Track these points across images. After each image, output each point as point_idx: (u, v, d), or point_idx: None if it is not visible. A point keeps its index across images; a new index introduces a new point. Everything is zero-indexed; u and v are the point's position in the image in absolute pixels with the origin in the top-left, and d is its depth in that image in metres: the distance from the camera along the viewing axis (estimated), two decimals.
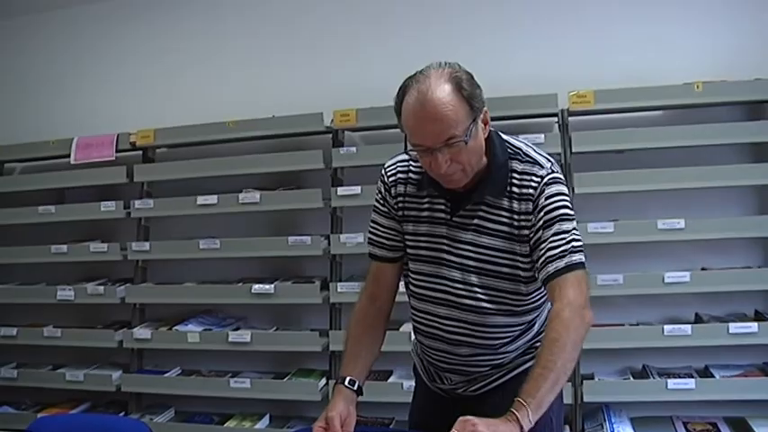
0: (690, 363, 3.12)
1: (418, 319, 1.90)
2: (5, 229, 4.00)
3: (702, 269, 3.08)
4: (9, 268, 4.00)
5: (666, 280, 2.94)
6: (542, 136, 3.07)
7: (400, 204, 1.85)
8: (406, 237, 1.86)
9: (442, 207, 1.79)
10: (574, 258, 1.63)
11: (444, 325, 1.83)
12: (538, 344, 1.79)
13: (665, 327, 2.93)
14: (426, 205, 1.81)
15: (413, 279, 1.87)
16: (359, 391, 1.83)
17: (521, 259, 1.72)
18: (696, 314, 3.14)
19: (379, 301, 1.93)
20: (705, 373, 3.05)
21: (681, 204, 3.11)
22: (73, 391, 3.69)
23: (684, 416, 3.06)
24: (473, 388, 1.89)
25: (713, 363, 3.08)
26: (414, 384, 2.12)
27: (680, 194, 3.09)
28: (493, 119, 1.75)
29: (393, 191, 1.85)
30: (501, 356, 1.85)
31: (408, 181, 1.84)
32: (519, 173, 1.72)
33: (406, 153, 1.77)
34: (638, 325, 3.10)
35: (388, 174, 1.88)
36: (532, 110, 3.15)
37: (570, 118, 3.18)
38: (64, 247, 3.75)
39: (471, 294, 1.76)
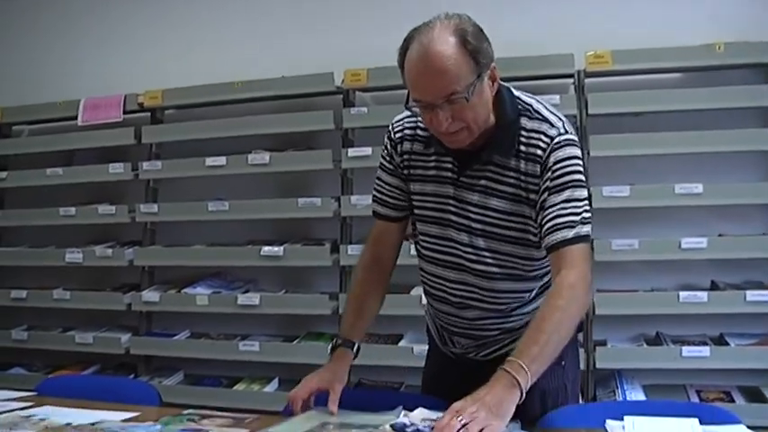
0: (705, 330, 3.08)
1: (427, 282, 1.86)
2: (14, 191, 4.01)
3: (719, 235, 3.02)
4: (18, 231, 4.01)
5: (683, 246, 2.89)
6: (557, 97, 3.02)
7: (406, 162, 1.78)
8: (413, 196, 1.80)
9: (450, 166, 1.71)
10: (583, 230, 1.56)
11: (452, 288, 1.78)
12: None
13: (681, 293, 2.88)
14: (433, 164, 1.74)
15: (421, 240, 1.82)
16: (356, 354, 1.83)
17: (530, 222, 1.65)
18: (712, 281, 3.10)
19: (382, 261, 1.89)
20: (720, 340, 3.01)
21: (699, 169, 3.05)
22: (82, 354, 3.70)
23: (698, 384, 3.03)
24: (483, 352, 1.84)
25: (729, 331, 3.04)
26: (426, 347, 2.08)
27: (698, 159, 3.03)
28: (506, 79, 1.68)
29: (399, 148, 1.79)
30: (511, 321, 1.79)
31: (415, 138, 1.77)
32: (527, 131, 1.63)
33: (408, 109, 1.69)
34: (652, 291, 3.06)
35: (395, 130, 1.81)
36: (548, 70, 3.10)
37: (587, 79, 3.11)
38: (72, 210, 3.74)
39: (479, 258, 1.70)
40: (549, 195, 1.57)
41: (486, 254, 1.69)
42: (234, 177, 3.50)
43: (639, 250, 2.93)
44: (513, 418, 1.50)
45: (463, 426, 1.31)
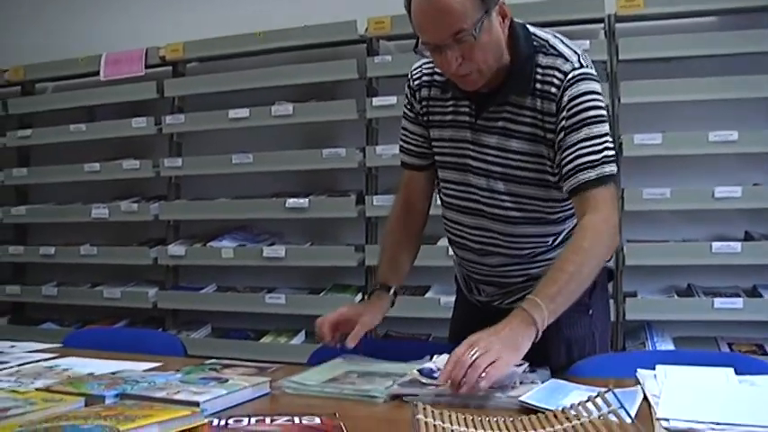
0: (737, 282, 3.01)
1: (449, 229, 1.82)
2: (39, 149, 4.03)
3: (754, 185, 2.93)
4: (45, 189, 4.02)
5: (716, 195, 2.82)
6: (587, 42, 2.92)
7: (425, 109, 1.74)
8: (433, 143, 1.76)
9: (467, 110, 1.66)
10: (606, 170, 1.51)
11: (473, 234, 1.74)
12: None
13: (713, 244, 2.82)
14: (450, 109, 1.69)
15: (442, 187, 1.79)
16: (393, 300, 1.79)
17: (549, 164, 1.60)
18: (746, 232, 3.02)
19: (414, 211, 1.86)
20: (753, 292, 2.95)
21: (734, 116, 2.94)
22: (111, 309, 3.73)
23: (729, 336, 2.97)
24: (509, 300, 1.78)
25: (762, 282, 2.97)
26: (454, 297, 2.04)
27: (734, 105, 2.92)
28: (534, 24, 1.62)
29: (418, 95, 1.74)
30: (536, 267, 1.73)
31: (433, 84, 1.72)
32: (543, 67, 1.56)
33: (418, 53, 1.63)
34: (684, 242, 2.99)
35: (414, 77, 1.77)
36: (577, 15, 3.00)
37: (617, 24, 3.01)
38: (97, 166, 3.74)
39: (498, 202, 1.66)
40: (565, 136, 1.52)
41: (506, 197, 1.64)
42: (257, 129, 3.47)
43: (671, 199, 2.85)
44: (542, 365, 1.48)
45: (475, 359, 1.31)
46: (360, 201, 3.25)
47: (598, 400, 1.04)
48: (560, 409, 1.04)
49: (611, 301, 2.82)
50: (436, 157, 1.76)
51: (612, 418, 0.98)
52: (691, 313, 2.84)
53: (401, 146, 1.84)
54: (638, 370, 1.48)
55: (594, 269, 1.52)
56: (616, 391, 1.33)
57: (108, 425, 0.95)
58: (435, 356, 1.56)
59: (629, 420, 0.97)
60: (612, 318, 2.83)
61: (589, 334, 1.78)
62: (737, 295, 2.87)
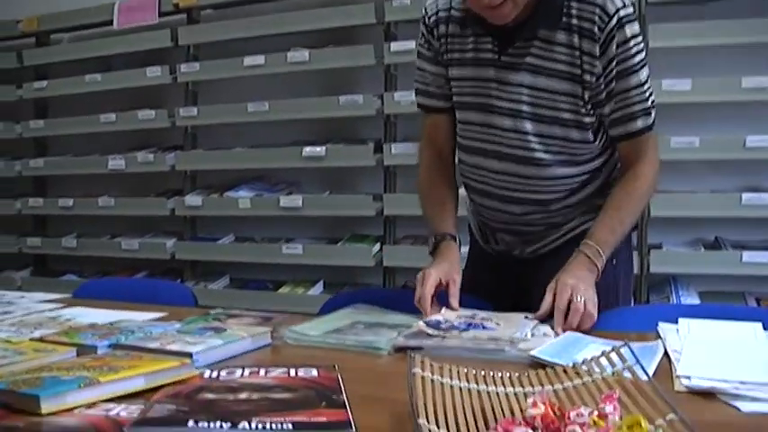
0: (767, 236, 2.92)
1: (468, 174, 1.73)
2: (56, 101, 4.01)
3: None
4: (63, 141, 4.01)
5: (748, 144, 2.69)
6: None
7: (444, 47, 1.64)
8: (452, 82, 1.66)
9: (489, 46, 1.57)
10: (652, 117, 1.53)
11: (495, 179, 1.65)
12: (600, 202, 1.63)
13: (743, 195, 2.71)
14: (471, 46, 1.60)
15: (461, 129, 1.69)
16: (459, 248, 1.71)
17: (582, 104, 1.52)
18: None
19: (443, 156, 1.77)
20: None
21: None
22: (130, 260, 3.74)
23: (758, 292, 2.88)
24: (529, 250, 1.73)
25: None
26: (468, 246, 1.97)
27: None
28: None
29: (435, 32, 1.65)
30: (558, 215, 1.67)
31: (450, 19, 1.63)
32: (578, 1, 1.48)
33: None
34: (712, 193, 2.87)
35: (429, 14, 1.67)
36: None
37: None
38: (112, 116, 3.70)
39: (525, 144, 1.57)
40: (615, 83, 1.49)
41: (533, 139, 1.56)
42: (273, 77, 3.38)
43: (700, 149, 2.74)
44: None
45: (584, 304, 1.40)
46: (378, 149, 3.17)
47: (612, 355, 0.96)
48: (572, 364, 0.97)
49: (636, 253, 2.76)
50: (455, 98, 1.67)
51: (627, 374, 0.91)
52: (718, 267, 2.75)
53: (418, 88, 1.75)
54: (660, 323, 1.41)
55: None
56: (635, 345, 1.26)
57: (89, 376, 0.90)
58: (444, 309, 1.50)
59: (644, 377, 0.89)
60: (636, 270, 2.77)
61: (612, 285, 1.71)
62: (767, 249, 2.77)
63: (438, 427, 0.71)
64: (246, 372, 1.03)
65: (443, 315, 1.44)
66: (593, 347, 1.23)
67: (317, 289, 3.35)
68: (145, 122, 3.63)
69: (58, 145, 4.06)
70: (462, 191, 1.81)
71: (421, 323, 1.34)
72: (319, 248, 3.31)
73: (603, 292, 1.67)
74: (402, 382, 0.85)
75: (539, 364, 1.10)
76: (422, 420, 0.70)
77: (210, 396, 0.90)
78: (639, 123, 1.52)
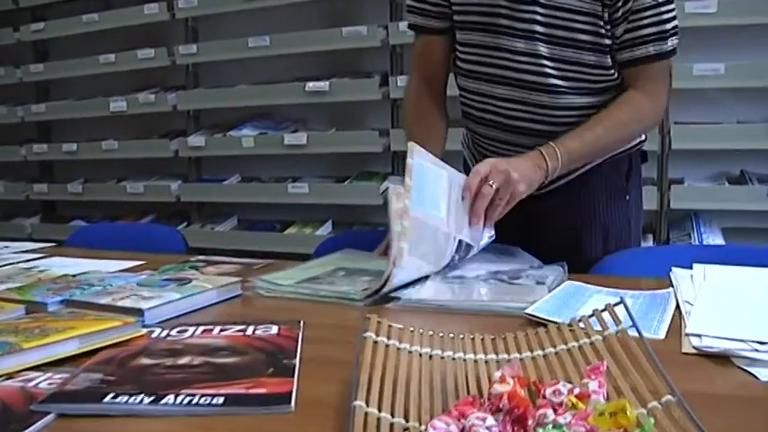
0: None
1: (469, 103, 1.57)
2: (55, 43, 3.91)
3: None
4: (64, 85, 3.91)
5: None
6: None
7: None
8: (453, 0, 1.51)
9: None
10: (667, 45, 1.38)
11: (503, 108, 1.50)
12: None
13: None
14: None
15: (461, 53, 1.52)
16: None
17: (602, 24, 1.37)
18: None
19: (433, 83, 1.62)
20: None
21: None
22: (136, 204, 3.68)
23: None
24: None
25: None
26: None
27: None
28: None
29: None
30: None
31: None
32: None
33: None
34: (738, 123, 2.70)
35: None
36: None
37: None
38: (112, 57, 3.58)
39: (538, 69, 1.42)
40: (632, 1, 1.34)
41: (548, 63, 1.41)
42: (274, 9, 3.22)
43: (725, 76, 2.54)
44: (576, 257, 1.29)
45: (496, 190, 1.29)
46: (384, 82, 3.03)
47: (605, 314, 0.83)
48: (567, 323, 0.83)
49: (655, 189, 2.62)
50: (456, 17, 1.50)
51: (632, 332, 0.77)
52: (743, 202, 2.59)
53: (412, 6, 1.57)
54: (673, 269, 1.27)
55: (624, 141, 1.49)
56: (643, 294, 1.15)
57: (14, 342, 0.80)
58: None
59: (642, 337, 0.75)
60: (656, 206, 2.64)
61: (625, 222, 1.61)
62: None
63: (380, 410, 0.59)
64: (199, 330, 0.93)
65: None
66: (597, 300, 1.11)
67: (326, 229, 3.26)
68: (145, 62, 3.50)
69: (59, 88, 3.96)
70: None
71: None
72: (326, 187, 3.21)
73: (617, 230, 1.59)
74: None
75: (535, 323, 0.99)
76: (359, 402, 0.58)
77: (147, 361, 0.80)
78: (651, 49, 1.37)
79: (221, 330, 0.92)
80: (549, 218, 1.55)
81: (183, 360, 0.80)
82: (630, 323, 0.77)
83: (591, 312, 0.85)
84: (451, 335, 0.81)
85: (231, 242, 3.31)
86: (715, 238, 2.65)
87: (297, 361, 0.80)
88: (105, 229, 2.50)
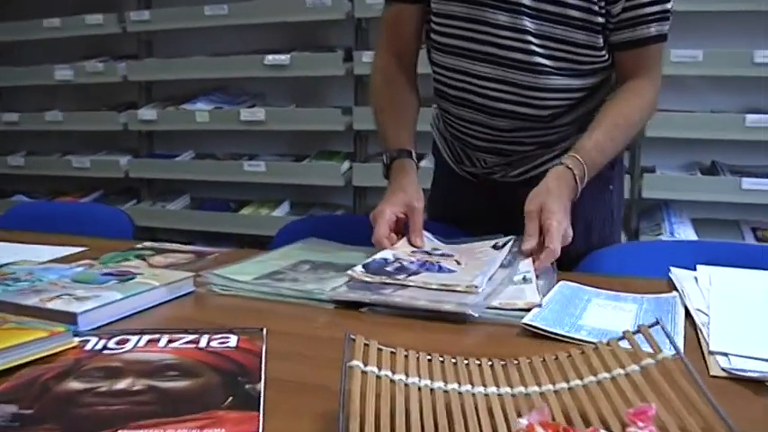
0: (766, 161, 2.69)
1: (444, 80, 1.43)
2: None
3: None
4: (4, 49, 3.65)
5: (756, 59, 2.42)
6: None
7: None
8: None
9: None
10: (666, 26, 1.29)
11: (482, 88, 1.36)
12: None
13: (748, 116, 2.46)
14: None
15: (437, 24, 1.38)
16: (417, 165, 1.42)
17: (597, 1, 1.25)
18: None
19: (404, 56, 1.48)
20: None
21: None
22: (83, 179, 3.47)
23: (754, 221, 2.69)
24: (514, 173, 1.48)
25: None
26: (433, 168, 1.70)
27: None
28: None
29: None
30: (552, 132, 1.42)
31: None
32: None
33: None
34: (712, 113, 2.61)
35: None
36: None
37: None
38: (57, 21, 3.35)
39: (522, 46, 1.29)
40: None
41: (533, 40, 1.28)
42: None
43: (703, 63, 2.45)
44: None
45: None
46: (348, 57, 2.89)
47: (637, 336, 0.69)
48: (571, 334, 0.70)
49: (627, 177, 2.53)
50: None
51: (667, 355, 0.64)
52: (715, 193, 2.53)
53: None
54: (672, 269, 1.17)
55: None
56: (647, 299, 1.03)
57: None
58: (401, 242, 1.25)
59: (687, 371, 0.62)
60: (628, 195, 2.54)
61: (608, 213, 1.52)
62: (766, 176, 2.54)
63: None
64: (143, 340, 0.78)
65: (394, 251, 1.18)
66: (597, 305, 0.99)
67: (283, 209, 3.13)
68: (93, 28, 3.28)
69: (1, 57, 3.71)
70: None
71: (357, 268, 1.08)
72: (284, 166, 3.06)
73: (600, 222, 1.50)
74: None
75: (534, 334, 0.87)
76: None
77: (76, 386, 0.65)
78: (653, 30, 1.27)
79: (170, 341, 0.77)
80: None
81: (122, 384, 0.66)
82: (667, 355, 0.63)
83: (596, 322, 0.73)
84: (454, 360, 0.67)
85: (183, 221, 3.17)
86: (685, 229, 2.59)
87: (261, 386, 0.66)
88: (44, 208, 2.31)
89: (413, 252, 1.20)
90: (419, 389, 0.60)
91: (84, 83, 3.33)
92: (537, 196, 1.20)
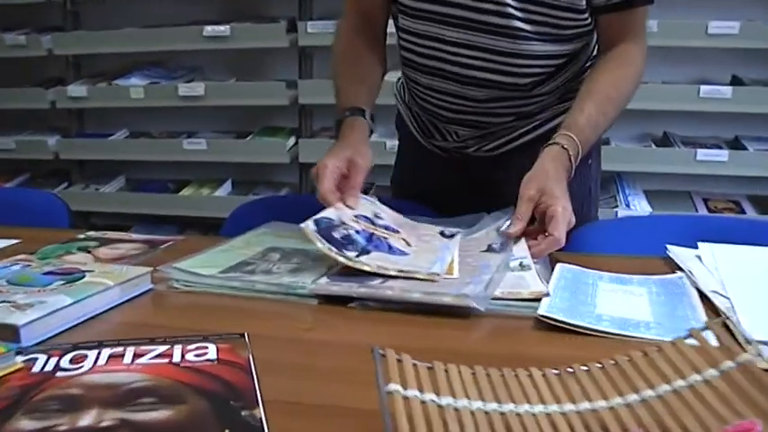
0: (716, 132, 2.73)
1: (412, 47, 1.32)
2: None
3: (749, 21, 2.48)
4: None
5: (710, 30, 2.42)
6: None
7: None
8: None
9: None
10: None
11: (455, 55, 1.26)
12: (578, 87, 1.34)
13: (702, 87, 2.46)
14: None
15: None
16: (371, 126, 1.30)
17: None
18: (733, 76, 2.66)
19: (371, 21, 1.37)
20: (735, 144, 2.65)
21: None
22: (7, 162, 3.23)
23: (705, 192, 2.70)
24: (489, 146, 1.39)
25: (745, 134, 2.68)
26: (397, 143, 1.61)
27: None
28: None
29: None
30: (531, 102, 1.33)
31: None
32: None
33: None
34: (663, 84, 2.59)
35: None
36: None
37: None
38: None
39: (500, 9, 1.19)
40: None
41: (512, 2, 1.18)
42: None
43: (657, 34, 2.40)
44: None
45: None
46: (292, 28, 2.75)
47: (707, 333, 0.59)
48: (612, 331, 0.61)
49: None
50: None
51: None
52: (669, 165, 2.54)
53: None
54: (670, 247, 1.10)
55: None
56: (653, 280, 0.96)
57: None
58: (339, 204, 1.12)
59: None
60: None
61: (586, 189, 1.44)
62: (719, 147, 2.58)
63: None
64: (103, 356, 0.65)
65: (338, 211, 1.07)
66: (605, 290, 0.92)
67: (225, 189, 3.01)
68: None
69: None
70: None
71: (309, 224, 0.98)
72: (226, 143, 2.93)
73: (579, 199, 1.39)
74: (360, 373, 0.50)
75: (550, 326, 0.78)
76: None
77: (25, 426, 0.52)
78: None
79: (136, 355, 0.65)
80: (502, 183, 1.35)
81: (87, 419, 0.53)
82: (754, 353, 0.54)
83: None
84: (501, 373, 0.56)
85: (118, 205, 3.01)
86: (640, 201, 2.60)
87: (261, 412, 0.55)
88: None
89: (356, 216, 1.09)
90: (472, 413, 0.49)
91: (5, 56, 3.10)
92: (534, 180, 1.10)
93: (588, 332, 0.78)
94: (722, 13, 2.50)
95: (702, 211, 2.59)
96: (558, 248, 1.03)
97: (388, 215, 1.19)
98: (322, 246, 0.94)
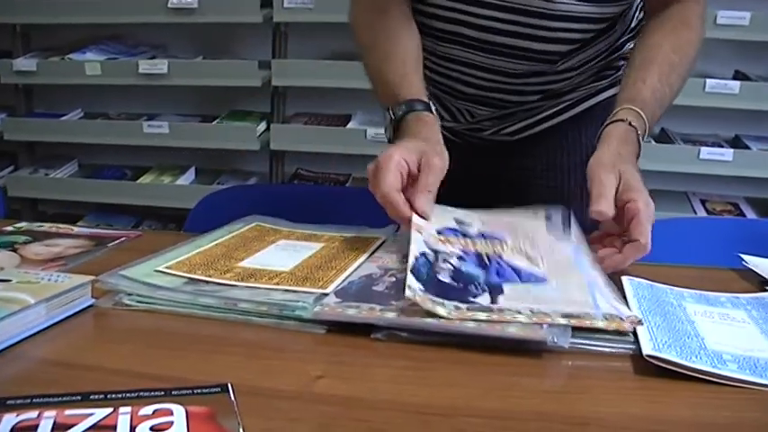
0: (716, 131, 2.68)
1: (430, 11, 1.14)
2: None
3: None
4: None
5: (719, 21, 2.34)
6: None
7: None
8: None
9: None
10: None
11: (480, 18, 1.08)
12: (621, 63, 1.21)
13: (708, 81, 2.38)
14: None
15: None
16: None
17: None
18: (736, 71, 2.59)
19: (394, 7, 1.13)
20: (736, 143, 2.59)
21: None
22: None
23: (703, 193, 2.65)
24: (508, 130, 1.26)
25: (746, 133, 2.62)
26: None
27: None
28: None
29: None
30: (559, 79, 1.19)
31: None
32: None
33: None
34: None
35: None
36: None
37: None
38: None
39: None
40: None
41: None
42: None
43: None
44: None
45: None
46: (266, 2, 2.58)
47: None
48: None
49: None
50: None
51: None
52: (671, 164, 2.45)
53: None
54: (745, 257, 0.92)
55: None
56: (745, 299, 0.76)
57: None
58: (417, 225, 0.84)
59: None
60: None
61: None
62: (720, 145, 2.52)
63: None
64: (4, 427, 0.42)
65: (419, 234, 0.80)
66: (698, 313, 0.71)
67: (188, 177, 2.85)
68: None
69: None
70: None
71: (412, 283, 0.68)
72: (190, 127, 2.77)
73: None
74: None
75: (654, 366, 0.58)
76: None
77: None
78: None
79: (57, 427, 0.42)
80: (522, 174, 1.28)
81: None
82: None
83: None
84: None
85: (70, 192, 2.84)
86: None
87: None
88: None
89: (438, 233, 0.84)
90: None
91: None
92: (609, 163, 0.89)
93: (708, 377, 0.57)
94: (732, 2, 2.39)
95: (701, 213, 2.53)
96: (642, 256, 0.81)
97: (476, 217, 0.92)
98: (448, 312, 0.65)
